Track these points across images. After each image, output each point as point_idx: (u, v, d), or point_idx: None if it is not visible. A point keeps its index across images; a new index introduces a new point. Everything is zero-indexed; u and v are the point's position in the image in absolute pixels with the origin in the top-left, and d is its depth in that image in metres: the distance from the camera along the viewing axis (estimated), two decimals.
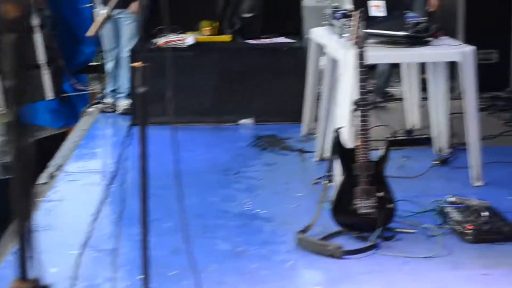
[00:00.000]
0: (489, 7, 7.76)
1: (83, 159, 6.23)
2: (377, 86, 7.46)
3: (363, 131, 4.35)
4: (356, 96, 4.38)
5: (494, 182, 5.34)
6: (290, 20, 7.67)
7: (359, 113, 4.35)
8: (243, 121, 7.08)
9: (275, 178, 5.60)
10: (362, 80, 4.35)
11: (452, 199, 4.77)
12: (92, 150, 6.50)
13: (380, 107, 7.33)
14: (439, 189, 5.17)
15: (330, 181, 4.55)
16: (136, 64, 3.19)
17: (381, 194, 4.39)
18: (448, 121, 5.94)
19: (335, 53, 5.43)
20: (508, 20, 7.83)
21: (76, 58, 8.64)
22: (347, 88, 4.83)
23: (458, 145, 5.88)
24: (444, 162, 5.76)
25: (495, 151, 5.90)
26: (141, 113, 3.40)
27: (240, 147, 6.42)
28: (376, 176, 4.40)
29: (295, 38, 7.37)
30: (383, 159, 4.43)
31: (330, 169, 4.56)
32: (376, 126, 6.22)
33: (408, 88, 6.67)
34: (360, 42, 4.34)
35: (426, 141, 6.11)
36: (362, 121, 4.35)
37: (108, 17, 7.30)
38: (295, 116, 6.75)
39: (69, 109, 8.23)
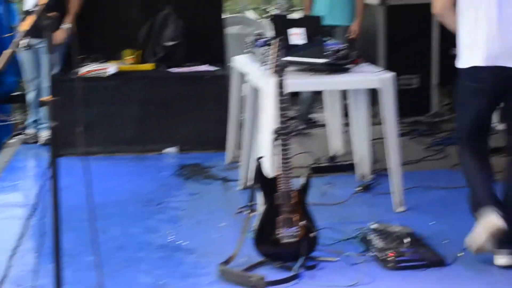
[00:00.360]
0: (409, 33, 7.83)
1: (3, 192, 6.04)
2: (300, 112, 7.46)
3: (284, 160, 4.30)
4: (277, 125, 4.33)
5: (417, 207, 5.35)
6: (214, 47, 7.63)
7: (280, 142, 4.30)
8: (167, 150, 6.98)
9: (199, 208, 5.50)
10: (283, 109, 4.30)
11: (375, 225, 4.75)
12: (12, 182, 6.30)
13: (303, 134, 7.32)
14: (362, 216, 5.15)
15: (252, 210, 4.48)
16: (45, 98, 3.09)
17: (304, 223, 4.35)
18: (370, 147, 5.95)
19: (257, 81, 5.39)
20: (429, 45, 7.91)
21: None
22: (269, 116, 4.78)
23: (380, 171, 5.88)
24: (366, 188, 5.74)
25: (417, 176, 5.94)
26: (53, 147, 3.30)
27: (164, 176, 6.31)
28: (298, 204, 4.35)
29: (219, 66, 7.31)
30: (304, 188, 4.39)
31: (252, 198, 4.50)
32: (298, 154, 6.20)
33: (330, 114, 6.68)
34: (280, 71, 4.29)
35: (348, 168, 6.10)
36: (283, 150, 4.30)
37: (26, 47, 7.16)
38: (219, 144, 6.69)
39: None
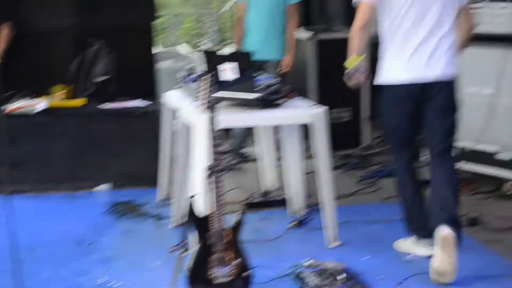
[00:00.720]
0: (340, 67, 7.76)
1: None
2: (233, 147, 7.37)
3: (217, 198, 4.19)
4: (209, 162, 4.22)
5: (351, 242, 5.27)
6: (145, 82, 7.52)
7: (212, 179, 4.19)
8: (99, 187, 6.80)
9: (131, 247, 5.34)
10: (215, 146, 4.20)
11: (309, 262, 4.67)
12: None
13: (236, 169, 7.23)
14: (296, 252, 5.05)
15: (185, 249, 4.36)
16: None
17: (237, 261, 4.24)
18: (303, 182, 5.87)
19: (188, 117, 5.28)
20: None
21: None
22: (201, 153, 4.68)
23: (314, 205, 5.81)
24: (300, 223, 5.65)
25: (350, 210, 5.88)
26: None
27: (95, 215, 6.12)
28: (232, 243, 4.24)
29: (150, 101, 7.19)
30: (237, 226, 4.29)
31: (185, 237, 4.37)
32: (231, 189, 6.11)
33: (263, 148, 6.61)
34: (211, 107, 4.20)
35: (282, 203, 6.02)
36: (216, 187, 4.19)
37: None
38: (152, 181, 6.56)
39: None
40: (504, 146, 6.22)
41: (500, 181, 6.33)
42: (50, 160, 6.82)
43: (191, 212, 4.25)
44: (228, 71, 5.19)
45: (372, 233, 5.47)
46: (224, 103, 5.13)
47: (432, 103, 4.77)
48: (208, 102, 4.19)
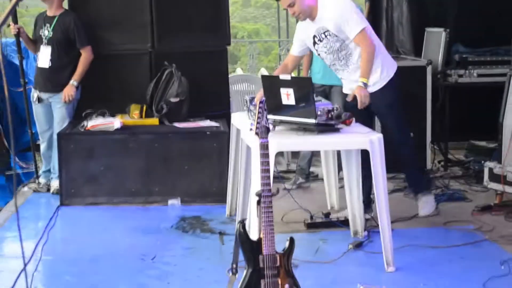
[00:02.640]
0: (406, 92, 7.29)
1: (3, 243, 5.58)
2: (301, 167, 6.97)
3: (267, 222, 3.82)
4: (259, 187, 3.86)
5: (408, 267, 4.82)
6: (217, 103, 7.25)
7: (262, 204, 3.82)
8: (171, 201, 6.50)
9: (191, 264, 4.99)
10: (264, 171, 3.83)
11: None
12: (14, 233, 5.84)
13: (303, 188, 6.85)
14: (352, 276, 4.67)
15: (234, 272, 4.00)
16: None
17: (288, 286, 3.85)
18: (361, 205, 5.43)
19: (248, 140, 4.93)
20: (424, 104, 7.37)
21: (21, 137, 8.11)
22: (258, 177, 4.31)
23: (374, 228, 5.39)
24: (359, 246, 5.21)
25: (409, 233, 5.44)
26: None
27: (162, 229, 5.81)
28: (283, 268, 3.86)
29: (221, 121, 6.88)
30: (289, 251, 3.90)
31: (235, 259, 4.01)
32: (294, 210, 5.75)
33: (326, 169, 6.20)
34: (262, 133, 3.83)
35: (343, 223, 5.60)
36: (265, 212, 3.81)
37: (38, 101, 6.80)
38: (221, 197, 6.26)
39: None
40: None
41: None
42: (125, 175, 6.58)
43: (241, 235, 3.89)
44: (289, 96, 4.81)
45: (429, 259, 4.99)
46: (283, 126, 4.78)
47: None
48: (257, 128, 3.82)
